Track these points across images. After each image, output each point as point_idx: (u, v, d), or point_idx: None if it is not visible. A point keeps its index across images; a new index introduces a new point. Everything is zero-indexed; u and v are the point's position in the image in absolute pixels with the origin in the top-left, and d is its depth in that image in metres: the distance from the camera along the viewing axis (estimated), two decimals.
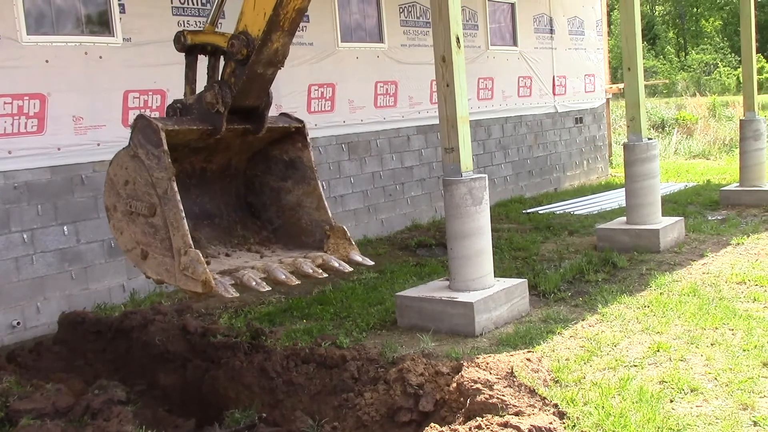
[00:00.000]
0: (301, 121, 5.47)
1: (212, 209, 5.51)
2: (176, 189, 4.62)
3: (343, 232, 5.32)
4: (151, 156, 4.68)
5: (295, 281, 4.89)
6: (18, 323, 7.71)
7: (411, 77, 12.29)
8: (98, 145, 8.28)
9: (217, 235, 5.42)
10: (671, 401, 4.84)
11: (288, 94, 10.16)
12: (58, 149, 8.01)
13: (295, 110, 10.10)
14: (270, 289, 4.82)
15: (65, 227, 8.10)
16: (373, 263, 5.55)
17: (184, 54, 5.40)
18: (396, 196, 12.19)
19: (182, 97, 5.29)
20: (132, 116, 8.50)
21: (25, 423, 5.01)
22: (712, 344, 5.81)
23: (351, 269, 5.28)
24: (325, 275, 5.14)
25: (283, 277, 4.84)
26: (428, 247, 10.63)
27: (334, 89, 11.09)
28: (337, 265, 5.18)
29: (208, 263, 4.64)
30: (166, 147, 4.64)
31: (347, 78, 11.26)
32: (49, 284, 7.96)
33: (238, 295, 4.67)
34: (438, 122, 7.12)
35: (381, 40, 11.93)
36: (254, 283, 4.69)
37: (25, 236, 7.77)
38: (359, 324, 7.05)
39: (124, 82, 8.57)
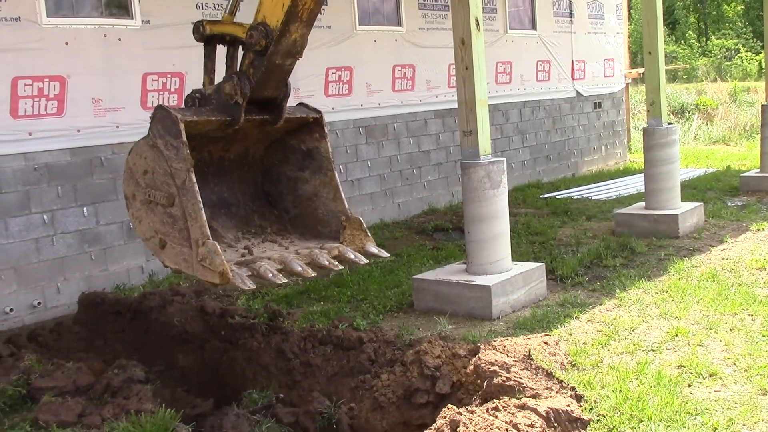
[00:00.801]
0: (318, 112, 5.46)
1: (230, 198, 5.52)
2: (194, 180, 4.63)
3: (359, 224, 5.31)
4: (170, 147, 4.69)
5: (311, 273, 4.91)
6: (38, 303, 7.80)
7: (429, 61, 12.22)
8: (117, 127, 8.33)
9: (234, 224, 5.43)
10: (689, 386, 4.82)
11: (305, 78, 10.15)
12: (78, 131, 8.06)
13: (313, 93, 10.11)
14: (286, 281, 4.86)
15: (85, 209, 8.16)
16: (389, 255, 5.54)
17: (203, 44, 5.40)
18: (413, 180, 12.17)
19: (201, 87, 5.30)
20: (151, 99, 8.54)
21: (47, 400, 5.09)
22: (730, 329, 5.77)
23: (366, 261, 5.28)
24: (341, 267, 5.15)
25: (299, 268, 4.86)
26: (445, 231, 10.60)
27: (352, 73, 11.06)
28: (352, 256, 5.19)
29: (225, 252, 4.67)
30: (185, 138, 4.64)
31: (365, 61, 11.23)
32: (69, 265, 8.04)
33: (254, 286, 4.71)
34: (455, 106, 7.09)
35: (399, 23, 11.87)
36: (271, 275, 4.72)
37: (45, 217, 7.84)
38: (376, 306, 7.07)
39: (142, 64, 8.59)
